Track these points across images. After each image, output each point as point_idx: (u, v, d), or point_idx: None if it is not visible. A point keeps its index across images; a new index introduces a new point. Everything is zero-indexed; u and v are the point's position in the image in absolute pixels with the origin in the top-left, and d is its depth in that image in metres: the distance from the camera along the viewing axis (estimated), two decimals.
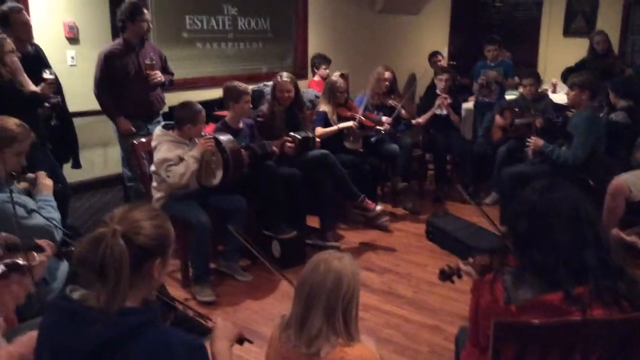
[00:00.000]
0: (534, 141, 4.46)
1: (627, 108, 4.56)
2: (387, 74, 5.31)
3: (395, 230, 4.74)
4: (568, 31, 7.34)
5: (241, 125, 4.11)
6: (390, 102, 5.32)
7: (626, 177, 3.91)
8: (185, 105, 3.64)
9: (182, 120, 3.57)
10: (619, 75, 5.35)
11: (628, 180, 3.88)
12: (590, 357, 1.62)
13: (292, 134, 4.26)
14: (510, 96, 5.93)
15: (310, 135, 4.38)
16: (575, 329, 1.57)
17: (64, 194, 3.48)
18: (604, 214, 3.86)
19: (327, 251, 1.75)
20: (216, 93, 4.96)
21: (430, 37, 7.23)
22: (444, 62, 6.74)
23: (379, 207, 4.43)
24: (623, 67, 5.65)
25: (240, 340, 1.85)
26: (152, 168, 3.62)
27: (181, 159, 3.50)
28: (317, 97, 5.22)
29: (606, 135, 4.31)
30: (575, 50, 6.28)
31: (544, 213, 1.65)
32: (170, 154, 3.50)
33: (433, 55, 6.73)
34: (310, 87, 5.67)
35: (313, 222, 4.47)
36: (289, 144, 4.19)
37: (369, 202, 4.41)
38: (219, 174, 3.71)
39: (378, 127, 4.99)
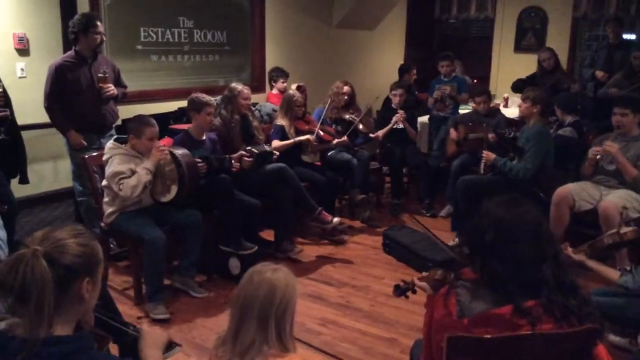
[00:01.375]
0: (486, 155, 4.57)
1: (573, 123, 4.72)
2: (345, 88, 5.36)
3: (352, 243, 4.77)
4: (519, 47, 7.57)
5: (204, 137, 4.08)
6: (348, 116, 5.36)
7: (570, 186, 4.05)
8: (134, 117, 3.61)
9: (127, 131, 3.54)
10: (566, 92, 5.54)
11: (572, 190, 4.00)
12: None
13: (249, 148, 4.25)
14: (463, 111, 6.07)
15: (268, 149, 4.37)
16: (525, 343, 1.60)
17: (10, 211, 3.36)
18: (550, 223, 3.98)
19: (263, 263, 1.74)
20: (172, 106, 4.90)
21: (387, 52, 7.35)
22: (414, 77, 6.75)
23: (336, 219, 4.45)
24: (570, 83, 5.85)
25: (170, 345, 1.81)
26: (104, 182, 3.53)
27: (134, 172, 3.44)
28: (274, 110, 5.22)
29: (555, 150, 4.45)
30: (526, 65, 6.47)
31: (510, 225, 1.68)
32: (123, 167, 3.42)
33: (408, 69, 6.71)
34: (269, 101, 5.67)
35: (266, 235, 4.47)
36: (246, 158, 4.17)
37: (326, 214, 4.42)
38: (174, 189, 3.65)
39: (336, 140, 5.02)
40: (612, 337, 3.05)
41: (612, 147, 3.88)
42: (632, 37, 7.08)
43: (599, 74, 5.83)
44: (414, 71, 6.59)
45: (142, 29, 4.78)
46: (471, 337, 1.61)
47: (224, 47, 5.46)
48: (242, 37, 5.61)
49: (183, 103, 4.21)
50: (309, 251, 4.51)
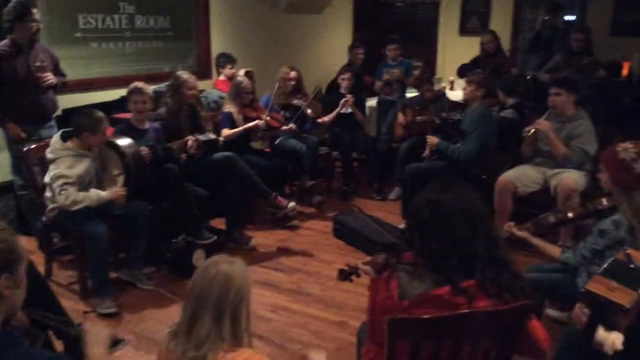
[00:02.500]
0: (430, 139, 4.65)
1: (514, 105, 4.85)
2: (292, 74, 5.34)
3: (303, 229, 4.79)
4: (464, 30, 7.68)
5: (147, 126, 4.00)
6: (296, 101, 5.35)
7: (510, 174, 4.16)
8: (85, 112, 3.48)
9: (80, 128, 3.40)
10: (507, 74, 5.67)
11: (512, 177, 4.13)
12: (479, 346, 1.71)
13: (195, 135, 4.19)
14: (410, 94, 6.15)
15: (213, 137, 4.33)
16: (463, 321, 1.66)
17: None
18: (495, 210, 4.10)
19: (219, 255, 1.73)
20: (114, 94, 4.77)
21: (334, 36, 7.34)
22: (362, 57, 6.73)
23: (291, 204, 4.45)
24: (511, 66, 6.00)
25: (115, 342, 1.79)
26: (47, 179, 3.41)
27: (80, 179, 3.35)
28: (221, 97, 5.16)
29: (497, 132, 4.57)
30: (471, 49, 6.58)
31: (444, 204, 1.76)
32: (70, 172, 3.31)
33: (354, 47, 6.71)
34: (216, 87, 5.59)
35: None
36: (191, 143, 4.11)
37: (281, 199, 4.42)
38: (120, 180, 3.59)
39: (284, 127, 5.01)
40: (552, 312, 3.18)
41: (543, 124, 4.00)
42: (572, 18, 7.30)
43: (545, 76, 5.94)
44: (360, 50, 6.45)
45: (80, 16, 4.63)
46: (411, 318, 1.66)
47: (167, 33, 5.34)
48: (186, 22, 5.50)
49: (126, 91, 4.10)
50: (260, 239, 4.51)
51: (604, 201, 2.64)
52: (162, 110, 4.22)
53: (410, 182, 4.69)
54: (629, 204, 2.43)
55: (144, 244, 3.64)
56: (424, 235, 1.77)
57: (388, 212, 5.02)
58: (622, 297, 1.52)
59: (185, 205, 3.90)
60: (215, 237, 3.99)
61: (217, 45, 5.72)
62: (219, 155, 4.30)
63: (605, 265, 1.73)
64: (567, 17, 7.11)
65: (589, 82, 5.70)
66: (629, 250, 1.73)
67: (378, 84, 6.21)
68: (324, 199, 5.31)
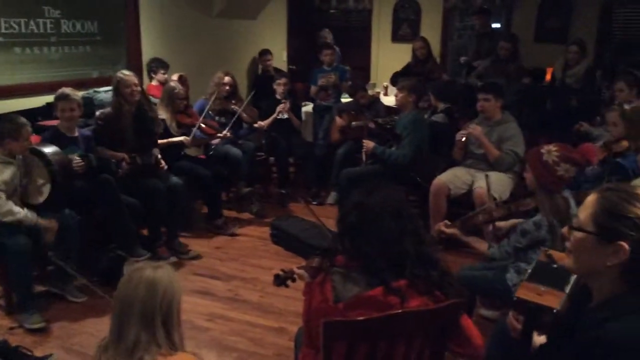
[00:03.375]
0: (366, 144, 4.73)
1: (445, 110, 5.00)
2: (226, 79, 5.29)
3: (240, 235, 4.74)
4: (396, 37, 7.85)
5: (77, 134, 3.87)
6: (232, 106, 5.30)
7: (443, 176, 4.28)
8: (6, 118, 3.34)
9: (1, 134, 3.25)
10: (439, 80, 5.84)
11: (445, 180, 4.25)
12: (413, 345, 1.74)
13: (134, 155, 4.07)
14: (345, 99, 6.22)
15: (154, 163, 4.21)
16: (397, 321, 1.68)
17: None
18: (430, 212, 4.21)
19: (144, 262, 1.70)
20: (39, 101, 4.57)
21: (269, 41, 7.32)
22: (272, 63, 6.87)
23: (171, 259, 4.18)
24: (441, 72, 6.17)
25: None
26: None
27: (7, 185, 3.22)
28: (153, 103, 5.04)
29: (430, 135, 4.68)
30: (403, 55, 6.73)
31: (370, 207, 1.79)
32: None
33: (263, 54, 6.85)
34: (149, 93, 5.45)
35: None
36: (125, 164, 3.99)
37: (164, 250, 4.19)
38: (46, 190, 3.44)
39: (219, 134, 4.95)
40: (484, 311, 3.29)
41: (475, 130, 4.16)
42: (498, 26, 7.59)
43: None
44: (269, 57, 6.80)
45: (2, 20, 4.41)
46: (346, 320, 1.67)
47: (95, 38, 5.17)
48: (115, 27, 5.34)
49: (52, 98, 3.94)
50: (196, 246, 4.43)
51: (527, 202, 2.76)
52: (107, 110, 4.11)
53: (346, 186, 4.73)
54: (550, 204, 2.56)
55: (74, 255, 3.51)
56: (354, 239, 1.79)
57: (327, 217, 5.01)
58: (551, 300, 1.58)
59: (120, 218, 3.79)
60: (149, 255, 3.90)
61: (148, 50, 5.59)
62: (159, 185, 4.16)
63: (529, 270, 1.81)
64: (494, 25, 7.38)
65: (515, 88, 5.96)
66: (550, 251, 1.81)
67: (313, 89, 6.25)
68: (261, 205, 5.26)
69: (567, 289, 1.59)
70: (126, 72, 4.18)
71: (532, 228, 2.59)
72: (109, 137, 4.04)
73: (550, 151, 2.58)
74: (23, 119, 3.33)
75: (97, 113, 4.20)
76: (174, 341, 1.59)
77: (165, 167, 4.30)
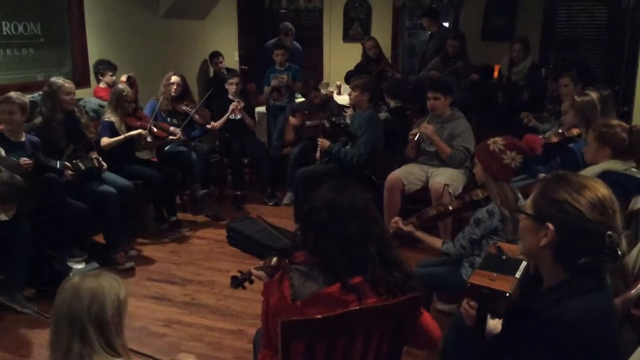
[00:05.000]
0: (321, 142, 4.73)
1: (396, 108, 5.06)
2: (173, 78, 5.19)
3: (196, 238, 4.67)
4: (347, 37, 7.89)
5: (23, 139, 3.74)
6: (183, 107, 5.22)
7: (398, 172, 4.33)
8: None
9: None
10: (391, 79, 5.90)
11: (400, 175, 4.29)
12: (371, 341, 1.75)
13: (76, 161, 3.96)
14: (299, 99, 6.21)
15: (97, 165, 4.10)
16: (354, 318, 1.68)
17: None
18: (384, 208, 4.24)
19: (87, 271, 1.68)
20: None
21: (220, 41, 7.24)
22: (224, 64, 6.82)
23: (128, 264, 4.06)
24: (393, 71, 6.24)
25: None
26: None
27: None
28: (101, 106, 4.92)
29: (384, 133, 4.72)
30: (355, 54, 6.78)
31: (341, 207, 1.77)
32: None
33: (214, 56, 6.79)
34: (96, 95, 5.32)
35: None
36: (70, 172, 3.88)
37: (122, 255, 4.08)
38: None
39: (171, 136, 4.87)
40: (440, 305, 3.34)
41: (427, 128, 4.22)
42: (446, 25, 7.72)
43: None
44: (221, 59, 6.79)
45: None
46: (303, 319, 1.66)
47: (39, 40, 4.99)
48: (59, 28, 5.17)
49: None
50: (151, 251, 4.34)
51: (479, 192, 2.83)
52: (37, 120, 3.96)
53: (301, 185, 4.73)
54: (499, 193, 2.65)
55: (23, 263, 3.38)
56: (319, 236, 1.77)
57: (283, 217, 5.02)
58: (504, 284, 1.61)
59: (63, 219, 3.67)
60: (86, 256, 3.79)
61: (95, 51, 5.44)
62: (104, 189, 4.06)
63: (480, 261, 1.85)
64: (443, 23, 7.51)
65: (464, 85, 6.08)
66: (499, 244, 1.85)
67: (266, 89, 6.22)
68: (216, 207, 5.20)
69: (518, 275, 1.64)
70: (61, 79, 4.10)
71: (485, 216, 2.66)
72: (46, 148, 3.90)
73: (496, 141, 2.70)
74: None
75: (26, 126, 4.01)
76: (115, 348, 1.55)
77: (105, 166, 4.19)
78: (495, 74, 6.57)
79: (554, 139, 3.94)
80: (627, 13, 6.10)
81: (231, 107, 5.40)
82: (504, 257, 1.73)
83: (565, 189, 1.46)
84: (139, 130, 4.52)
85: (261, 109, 6.39)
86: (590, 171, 2.88)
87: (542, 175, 3.41)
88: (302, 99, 6.03)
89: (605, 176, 2.72)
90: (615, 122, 3.08)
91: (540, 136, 4.05)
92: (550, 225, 1.45)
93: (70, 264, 3.70)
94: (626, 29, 6.03)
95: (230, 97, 5.53)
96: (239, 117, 5.50)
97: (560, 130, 4.04)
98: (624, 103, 5.56)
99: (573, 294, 1.43)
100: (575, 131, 3.89)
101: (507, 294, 1.55)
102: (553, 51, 7.07)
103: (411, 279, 1.81)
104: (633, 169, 2.90)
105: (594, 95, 3.87)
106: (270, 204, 5.46)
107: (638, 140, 2.93)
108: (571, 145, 3.78)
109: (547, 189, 1.50)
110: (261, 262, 2.26)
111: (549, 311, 1.43)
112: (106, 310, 1.56)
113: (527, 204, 1.55)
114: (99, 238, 4.23)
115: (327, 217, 1.77)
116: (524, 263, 1.68)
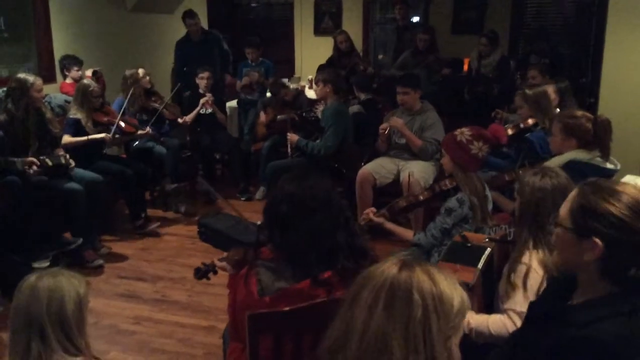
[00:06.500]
0: (291, 137, 4.72)
1: (366, 101, 5.07)
2: (141, 72, 5.12)
3: (167, 235, 4.62)
4: (318, 30, 7.85)
5: None
6: (152, 103, 5.15)
7: (369, 166, 4.35)
8: None
9: None
10: (362, 72, 5.91)
11: (371, 169, 4.31)
12: None
13: (43, 157, 3.87)
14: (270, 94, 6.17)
15: (64, 162, 4.00)
16: (322, 310, 1.67)
17: None
18: (357, 202, 4.25)
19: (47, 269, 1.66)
20: None
21: None
22: None
23: (97, 261, 4.01)
24: (365, 65, 6.25)
25: None
26: None
27: None
28: (67, 102, 4.82)
29: (353, 126, 4.73)
30: (326, 48, 6.76)
31: (303, 199, 1.73)
32: None
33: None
34: (63, 91, 5.21)
35: None
36: (35, 168, 3.78)
37: (91, 253, 4.03)
38: None
39: (140, 132, 4.80)
40: None
41: (397, 122, 4.24)
42: (417, 19, 7.76)
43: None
44: None
45: None
46: (269, 312, 1.65)
47: (2, 35, 4.88)
48: (23, 22, 5.06)
49: None
50: (120, 248, 4.28)
51: (448, 182, 2.85)
52: (2, 117, 3.85)
53: (273, 179, 4.70)
54: (468, 183, 2.67)
55: None
56: (284, 231, 1.74)
57: (256, 212, 4.97)
58: (466, 275, 1.63)
59: (24, 220, 3.60)
60: (48, 264, 3.70)
61: (60, 46, 5.33)
62: (70, 187, 3.97)
63: (444, 250, 1.86)
64: (414, 18, 7.54)
65: (434, 78, 6.12)
66: (464, 232, 1.87)
67: (238, 84, 6.17)
68: (188, 203, 5.15)
69: (480, 265, 1.66)
70: (32, 76, 3.99)
71: (455, 205, 2.69)
72: (12, 145, 3.80)
73: (463, 132, 2.75)
74: None
75: None
76: (77, 345, 1.54)
77: (73, 164, 4.08)
78: (465, 67, 6.64)
79: (510, 132, 3.99)
80: (592, 6, 6.20)
81: (202, 101, 5.34)
82: (469, 245, 1.75)
83: (609, 200, 1.35)
84: (102, 135, 4.42)
85: (232, 103, 6.33)
86: (555, 161, 2.91)
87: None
88: None
89: (570, 166, 2.76)
90: (580, 113, 3.12)
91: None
92: (598, 241, 1.33)
93: (35, 265, 3.62)
94: (592, 22, 6.13)
95: (201, 91, 5.47)
96: (209, 111, 5.45)
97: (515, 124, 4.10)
98: (590, 94, 5.65)
99: (617, 313, 1.33)
100: (531, 121, 3.93)
101: (470, 285, 1.57)
102: (522, 44, 7.16)
103: None
104: (597, 159, 2.94)
105: (548, 88, 3.94)
106: (243, 199, 5.43)
107: (603, 130, 2.97)
108: (528, 135, 3.80)
109: (586, 201, 1.38)
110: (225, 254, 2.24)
111: (582, 330, 1.33)
112: (66, 308, 1.53)
113: (562, 214, 1.43)
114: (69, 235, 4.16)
115: (288, 212, 1.73)
116: (488, 250, 1.70)
